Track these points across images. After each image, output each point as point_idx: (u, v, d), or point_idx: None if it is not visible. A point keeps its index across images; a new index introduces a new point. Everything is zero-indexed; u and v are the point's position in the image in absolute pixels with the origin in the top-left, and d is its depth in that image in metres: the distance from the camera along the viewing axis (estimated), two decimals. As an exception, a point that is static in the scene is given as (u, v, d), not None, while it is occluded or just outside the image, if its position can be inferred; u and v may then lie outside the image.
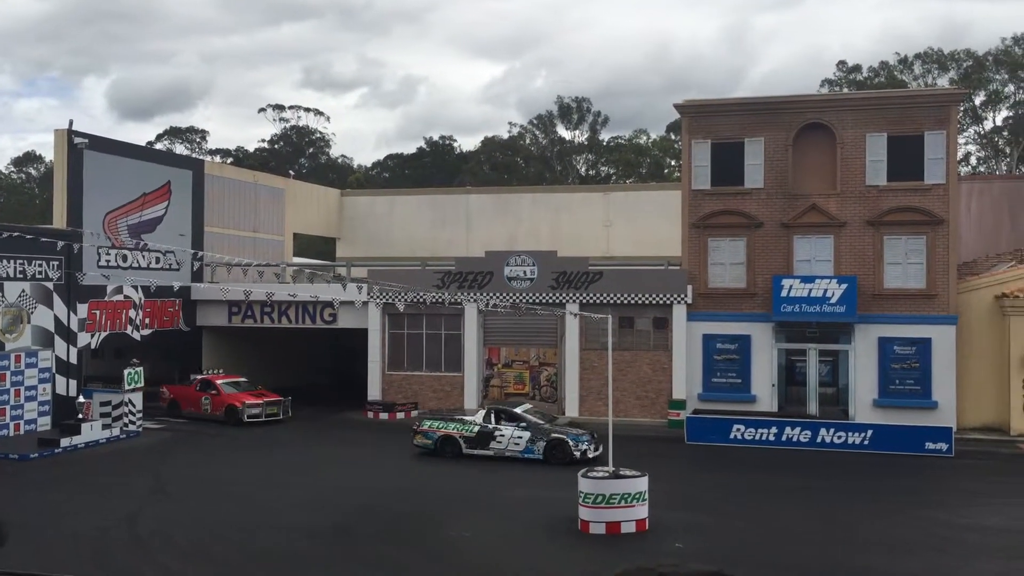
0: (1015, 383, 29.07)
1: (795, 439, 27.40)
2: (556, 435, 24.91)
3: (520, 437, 25.07)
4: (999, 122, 66.51)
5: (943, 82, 63.54)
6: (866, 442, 26.66)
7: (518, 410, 26.08)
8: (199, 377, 33.22)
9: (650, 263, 35.03)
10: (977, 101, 64.80)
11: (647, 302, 32.30)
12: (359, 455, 26.42)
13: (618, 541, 16.72)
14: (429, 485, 21.96)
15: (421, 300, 27.90)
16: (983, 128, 67.16)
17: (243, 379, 33.61)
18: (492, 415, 25.86)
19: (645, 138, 76.20)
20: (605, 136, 75.08)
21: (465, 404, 33.61)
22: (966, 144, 66.56)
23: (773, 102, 32.19)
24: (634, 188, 54.33)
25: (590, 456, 24.37)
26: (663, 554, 15.15)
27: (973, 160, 67.80)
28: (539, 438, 24.93)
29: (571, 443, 24.60)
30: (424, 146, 77.87)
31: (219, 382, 32.51)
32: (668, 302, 32.13)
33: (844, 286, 29.97)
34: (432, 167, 74.38)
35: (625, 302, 32.41)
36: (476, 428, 25.54)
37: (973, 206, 40.11)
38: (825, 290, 30.10)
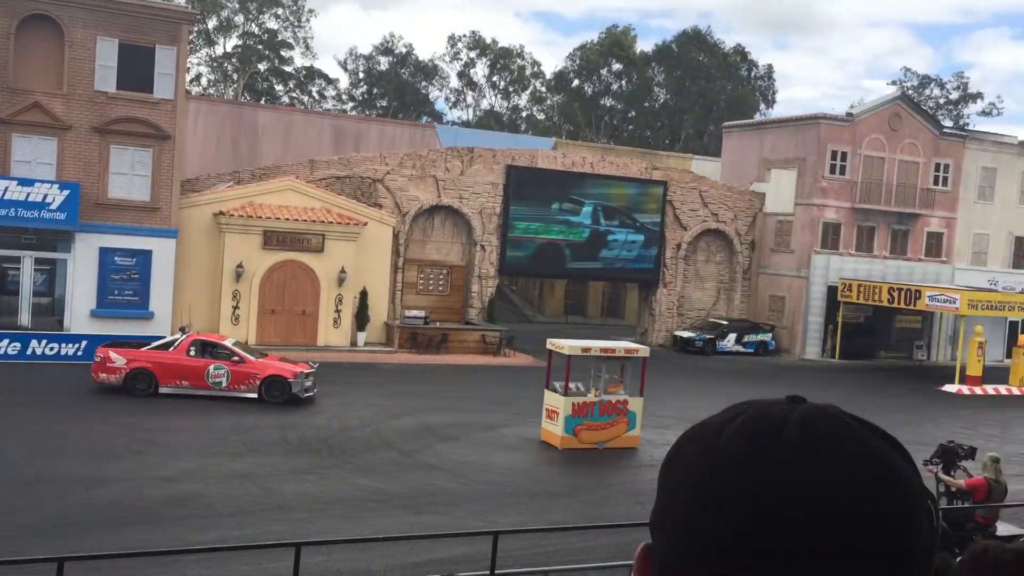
0: (226, 294, 31.54)
1: (5, 352, 25.73)
2: None
3: None
4: (229, 49, 70.39)
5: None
6: (80, 352, 26.32)
7: None
8: (189, 336, 23.39)
9: None
10: (211, 25, 67.46)
11: None
12: None
13: None
14: None
15: None
16: (215, 52, 70.35)
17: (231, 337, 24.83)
18: None
19: None
20: None
21: None
22: (199, 65, 69.02)
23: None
24: None
25: None
26: None
27: (204, 82, 70.69)
28: None
29: None
30: None
31: (229, 342, 23.43)
32: None
33: (66, 192, 28.78)
34: None
35: None
36: None
37: (200, 126, 41.93)
38: (45, 195, 28.52)
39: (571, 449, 19.74)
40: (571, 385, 20.38)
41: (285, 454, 18.27)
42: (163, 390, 22.63)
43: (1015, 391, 34.77)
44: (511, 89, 79.01)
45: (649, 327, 41.50)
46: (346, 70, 76.07)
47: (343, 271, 32.63)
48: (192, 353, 23.04)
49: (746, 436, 0.91)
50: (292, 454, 18.30)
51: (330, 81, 75.96)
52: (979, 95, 75.38)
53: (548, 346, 21.15)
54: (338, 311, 32.87)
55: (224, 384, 22.79)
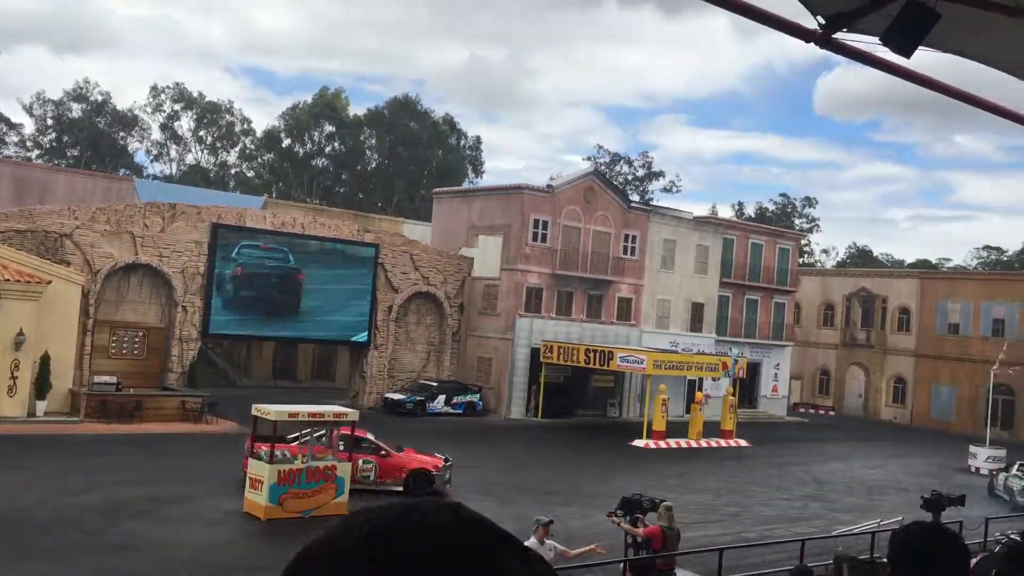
0: (3, 366, 27.95)
1: None
2: None
3: None
4: None
5: None
6: None
7: None
8: (336, 430, 21.58)
9: None
10: None
11: None
12: None
13: None
14: None
15: None
16: None
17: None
18: None
19: None
20: None
21: None
22: None
23: None
24: None
25: None
26: None
27: None
28: None
29: None
30: None
31: (371, 436, 23.16)
32: None
33: None
34: None
35: None
36: None
37: None
38: None
39: (276, 519, 19.00)
40: (277, 452, 19.72)
41: (-59, 543, 16.05)
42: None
43: (693, 444, 38.10)
44: (219, 145, 76.57)
45: (360, 390, 41.22)
46: (32, 115, 70.13)
47: (21, 333, 29.61)
48: (341, 447, 21.72)
49: (361, 550, 0.90)
50: (-50, 542, 16.11)
51: (12, 126, 69.66)
52: (661, 173, 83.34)
53: (253, 412, 20.38)
54: (14, 378, 29.70)
55: (372, 478, 22.52)
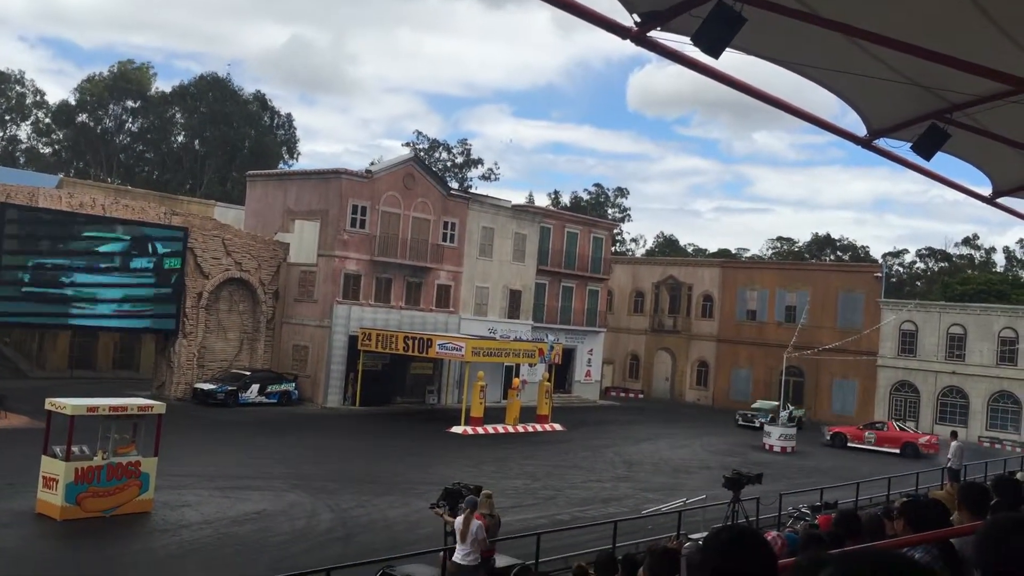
0: None
1: None
2: None
3: None
4: None
5: None
6: None
7: None
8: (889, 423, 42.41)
9: None
10: None
11: None
12: None
13: None
14: None
15: None
16: None
17: None
18: None
19: None
20: None
21: None
22: None
23: None
24: None
25: None
26: None
27: None
28: None
29: None
30: None
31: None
32: None
33: None
34: None
35: None
36: None
37: None
38: None
39: (73, 520, 17.83)
40: (74, 448, 18.49)
41: None
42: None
43: (510, 429, 38.73)
44: (8, 118, 70.88)
45: (167, 380, 39.35)
46: None
47: None
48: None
49: None
50: None
51: None
52: (480, 161, 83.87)
53: (47, 406, 19.01)
54: None
55: (873, 442, 40.61)
